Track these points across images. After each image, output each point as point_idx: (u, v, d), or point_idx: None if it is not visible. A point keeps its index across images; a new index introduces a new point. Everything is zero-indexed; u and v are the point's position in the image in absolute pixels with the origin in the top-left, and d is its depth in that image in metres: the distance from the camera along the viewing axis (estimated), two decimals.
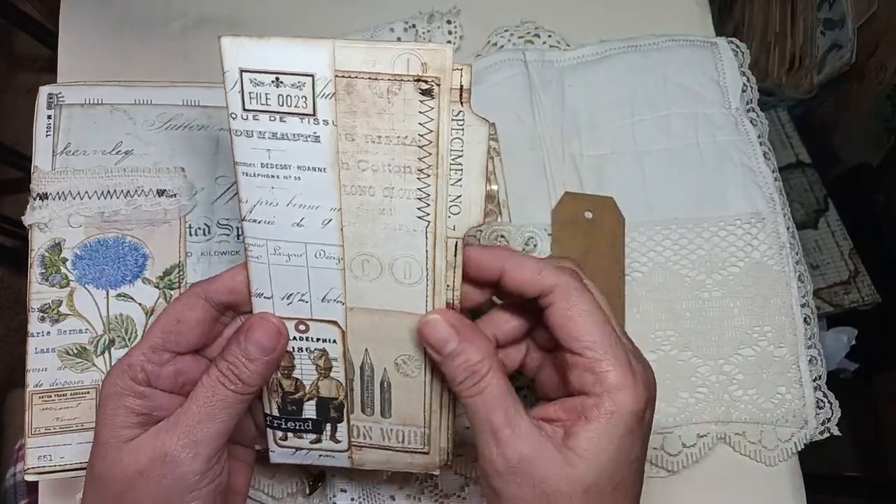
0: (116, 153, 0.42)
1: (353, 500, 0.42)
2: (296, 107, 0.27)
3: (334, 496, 0.42)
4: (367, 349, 0.32)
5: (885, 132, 0.95)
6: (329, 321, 0.32)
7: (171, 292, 0.41)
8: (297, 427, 0.34)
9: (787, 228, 0.46)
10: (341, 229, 0.29)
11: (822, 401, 0.44)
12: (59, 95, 0.42)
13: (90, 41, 0.52)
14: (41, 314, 0.39)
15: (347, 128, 0.27)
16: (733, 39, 0.50)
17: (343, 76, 0.26)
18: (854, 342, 0.93)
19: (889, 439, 0.99)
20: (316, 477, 0.43)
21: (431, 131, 0.28)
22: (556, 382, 0.32)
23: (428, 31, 0.51)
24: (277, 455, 0.35)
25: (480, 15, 0.52)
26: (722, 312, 0.44)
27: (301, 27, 0.53)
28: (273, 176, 0.28)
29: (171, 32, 0.53)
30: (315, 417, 0.34)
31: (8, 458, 0.58)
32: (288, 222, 0.29)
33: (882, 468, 0.99)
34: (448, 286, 0.31)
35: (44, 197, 0.40)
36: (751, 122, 0.48)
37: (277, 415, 0.34)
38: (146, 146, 0.42)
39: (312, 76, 0.26)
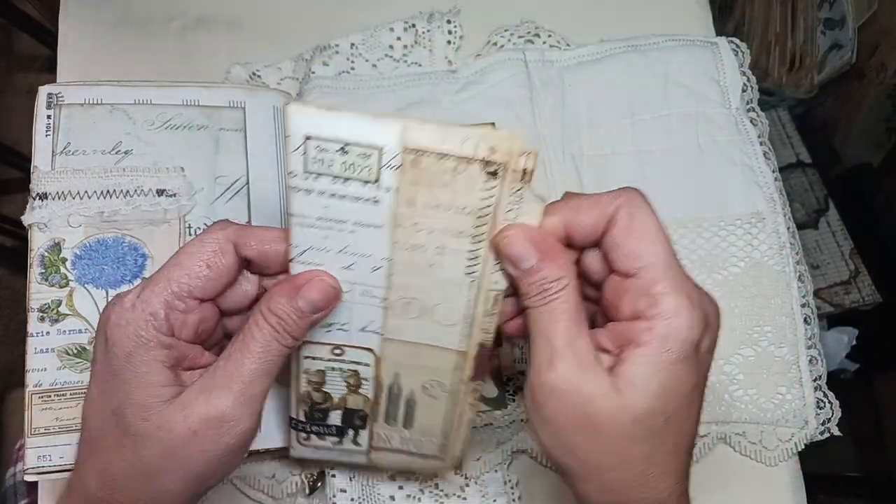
0: (116, 153, 0.42)
1: (352, 500, 0.42)
2: (359, 174, 0.28)
3: (334, 496, 0.41)
4: (397, 373, 0.34)
5: (885, 132, 0.95)
6: (365, 348, 0.33)
7: None
8: (322, 431, 0.36)
9: (788, 228, 0.46)
10: (388, 276, 0.31)
11: (822, 401, 0.44)
12: (59, 95, 0.42)
13: (90, 41, 0.52)
14: (41, 314, 0.39)
15: (408, 195, 0.28)
16: (733, 39, 0.50)
17: (411, 152, 0.27)
18: (854, 342, 0.93)
19: (889, 439, 0.98)
20: (316, 477, 0.43)
21: (490, 206, 0.29)
22: (600, 316, 0.31)
23: (428, 31, 0.51)
24: (298, 451, 0.37)
25: (480, 15, 0.52)
26: (722, 312, 0.44)
27: (301, 27, 0.53)
28: (328, 228, 0.29)
29: (171, 32, 0.53)
30: (340, 424, 0.36)
31: (8, 458, 0.58)
32: (337, 265, 0.30)
33: (882, 468, 0.99)
34: (484, 330, 0.32)
35: (43, 197, 0.40)
36: (751, 121, 0.48)
37: (304, 420, 0.36)
38: (146, 146, 0.42)
39: (380, 149, 0.27)
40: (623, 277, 0.28)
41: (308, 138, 0.27)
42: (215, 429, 0.28)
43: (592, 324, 0.30)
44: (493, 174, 0.28)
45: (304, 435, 0.36)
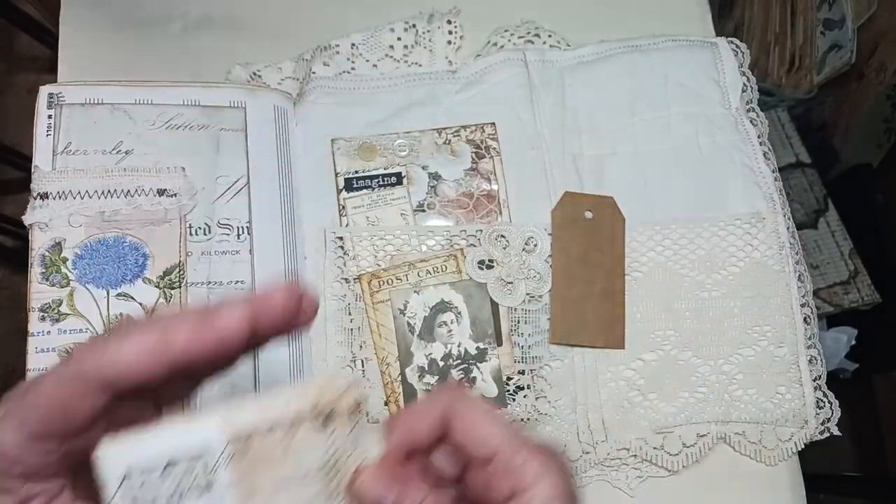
0: (117, 153, 0.42)
1: None
2: (193, 485, 0.26)
3: None
4: None
5: (884, 132, 0.95)
6: None
7: (172, 292, 0.41)
8: None
9: (787, 228, 0.46)
10: None
11: (822, 400, 0.44)
12: (60, 95, 0.42)
13: (90, 41, 0.52)
14: (41, 314, 0.39)
15: (249, 484, 0.26)
16: (733, 39, 0.51)
17: (238, 440, 0.26)
18: (854, 342, 0.93)
19: (889, 439, 0.99)
20: None
21: (332, 455, 0.27)
22: None
23: (428, 31, 0.51)
24: None
25: (481, 15, 0.52)
26: (722, 312, 0.44)
27: (301, 27, 0.53)
28: None
29: (172, 32, 0.53)
30: None
31: None
32: None
33: (882, 468, 0.99)
34: None
35: (44, 196, 0.40)
36: (751, 122, 0.49)
37: None
38: (146, 146, 0.42)
39: (205, 451, 0.25)
40: (483, 465, 0.28)
41: (126, 478, 0.25)
42: None
43: None
44: (326, 421, 0.27)
45: None
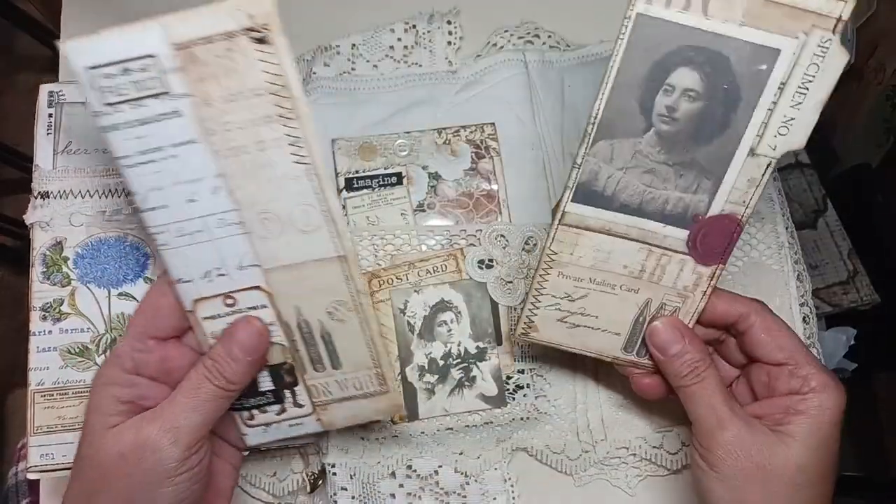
0: None
1: (353, 498, 0.42)
2: (150, 89, 0.28)
3: (335, 494, 0.42)
4: (296, 306, 0.33)
5: (883, 132, 0.95)
6: (252, 287, 0.32)
7: None
8: (260, 402, 0.35)
9: (786, 228, 0.46)
10: (231, 194, 0.30)
11: None
12: (60, 94, 0.42)
13: None
14: (43, 313, 0.39)
15: (202, 94, 0.29)
16: None
17: (182, 48, 0.28)
18: (853, 342, 0.93)
19: (888, 439, 0.99)
20: (317, 475, 0.43)
21: (280, 75, 0.29)
22: (748, 393, 0.37)
23: (428, 32, 0.51)
24: (251, 437, 0.36)
25: (480, 15, 0.52)
26: None
27: (302, 27, 0.53)
28: (152, 160, 0.29)
29: None
30: (273, 388, 0.35)
31: (10, 457, 0.58)
32: (181, 201, 0.30)
33: (881, 468, 0.99)
34: (741, 199, 0.36)
35: (45, 196, 0.40)
36: None
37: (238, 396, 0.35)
38: None
39: (154, 56, 0.28)
40: (772, 366, 0.34)
41: (91, 68, 0.28)
42: (139, 453, 0.30)
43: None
44: (262, 41, 0.29)
45: (246, 415, 0.35)
